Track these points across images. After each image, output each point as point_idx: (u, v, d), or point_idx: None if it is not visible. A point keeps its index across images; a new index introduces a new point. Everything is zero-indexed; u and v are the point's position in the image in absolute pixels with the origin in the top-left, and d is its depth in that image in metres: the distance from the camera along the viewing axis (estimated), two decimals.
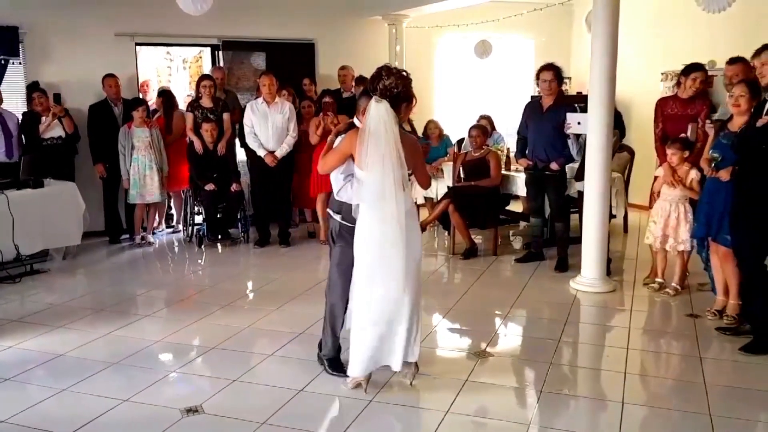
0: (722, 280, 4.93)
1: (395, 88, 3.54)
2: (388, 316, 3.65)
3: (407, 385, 3.85)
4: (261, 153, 7.15)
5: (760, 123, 4.30)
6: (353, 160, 3.61)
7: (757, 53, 4.56)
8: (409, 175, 3.69)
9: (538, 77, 6.28)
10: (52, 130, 7.09)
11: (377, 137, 3.46)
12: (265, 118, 7.14)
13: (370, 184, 3.52)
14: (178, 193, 7.97)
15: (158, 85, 8.91)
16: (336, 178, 3.79)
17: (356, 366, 3.71)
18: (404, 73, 3.63)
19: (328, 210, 3.98)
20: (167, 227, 8.21)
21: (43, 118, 7.04)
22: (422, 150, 3.97)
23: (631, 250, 7.09)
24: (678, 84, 6.02)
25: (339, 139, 3.75)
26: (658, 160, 5.98)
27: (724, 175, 4.56)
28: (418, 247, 3.72)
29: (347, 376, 3.80)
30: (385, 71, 3.59)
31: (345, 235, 3.78)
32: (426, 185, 4.03)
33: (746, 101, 4.56)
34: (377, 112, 3.48)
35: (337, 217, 3.83)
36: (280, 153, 7.15)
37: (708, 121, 5.57)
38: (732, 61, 5.49)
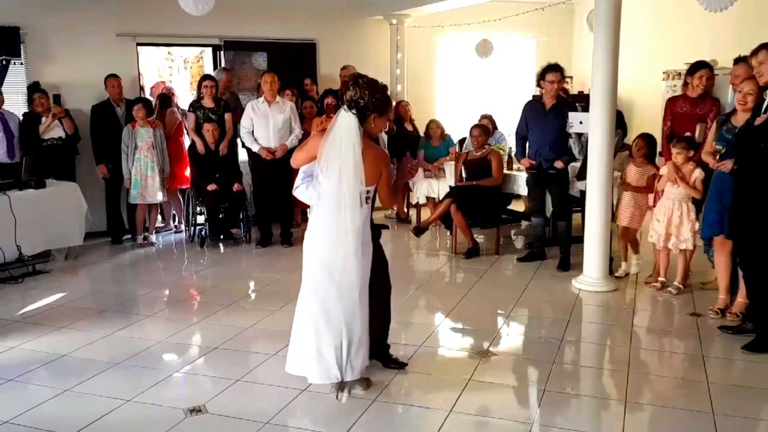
0: (725, 279, 4.93)
1: (360, 99, 3.50)
2: (317, 325, 3.63)
3: (404, 386, 3.86)
4: (255, 148, 7.16)
5: (758, 121, 4.30)
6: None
7: (755, 53, 4.55)
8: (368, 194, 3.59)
9: (542, 77, 6.24)
10: (52, 130, 7.09)
11: (338, 147, 3.45)
12: (266, 118, 7.15)
13: (325, 190, 3.53)
14: (174, 193, 7.97)
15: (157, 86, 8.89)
16: (298, 176, 3.79)
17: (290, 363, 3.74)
18: (374, 84, 3.56)
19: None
20: (174, 228, 8.21)
21: (43, 119, 7.05)
22: (409, 168, 3.90)
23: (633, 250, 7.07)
24: (685, 84, 6.01)
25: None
26: (662, 158, 5.99)
27: (728, 164, 4.53)
28: (363, 269, 3.61)
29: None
30: (352, 82, 3.55)
31: None
32: (386, 202, 3.85)
33: (753, 100, 4.56)
34: (341, 122, 3.49)
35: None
36: (290, 144, 7.17)
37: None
38: (738, 61, 5.49)
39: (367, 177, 3.50)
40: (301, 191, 3.73)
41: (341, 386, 3.68)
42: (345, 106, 3.53)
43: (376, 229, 3.90)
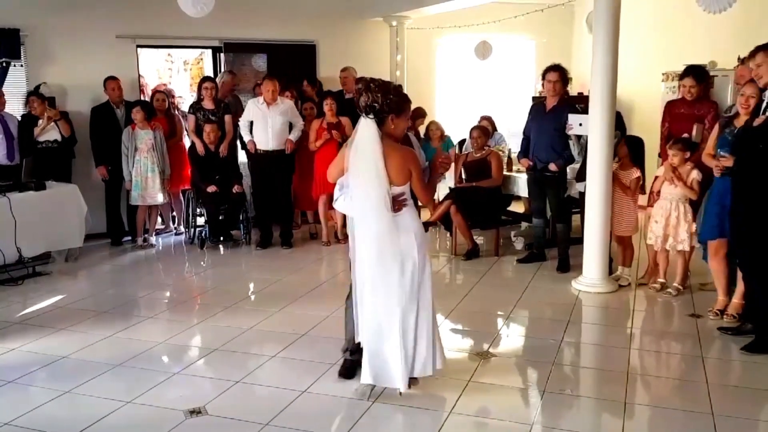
0: (723, 282, 4.93)
1: (375, 103, 3.50)
2: (375, 332, 3.63)
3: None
4: (246, 137, 7.27)
5: (757, 122, 4.31)
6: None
7: (752, 55, 4.55)
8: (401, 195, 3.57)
9: (544, 78, 6.27)
10: (47, 133, 7.07)
11: (361, 154, 3.48)
12: (265, 119, 7.16)
13: (356, 199, 3.55)
14: (177, 194, 7.97)
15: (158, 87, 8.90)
16: (336, 189, 3.79)
17: (364, 373, 3.70)
18: (386, 86, 3.57)
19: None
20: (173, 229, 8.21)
21: (39, 122, 7.04)
22: (440, 161, 3.79)
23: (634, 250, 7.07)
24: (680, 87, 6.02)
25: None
26: (660, 159, 5.99)
27: (729, 159, 4.52)
28: (409, 265, 3.58)
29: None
30: (364, 88, 3.54)
31: None
32: (424, 200, 3.87)
33: (755, 103, 4.56)
34: (361, 130, 3.51)
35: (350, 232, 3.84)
36: (294, 138, 7.20)
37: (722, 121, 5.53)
38: (742, 61, 5.48)
39: (396, 177, 3.50)
40: (339, 204, 3.74)
41: (372, 387, 3.70)
42: (363, 114, 3.54)
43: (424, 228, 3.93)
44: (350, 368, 3.96)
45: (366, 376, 3.66)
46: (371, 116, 3.51)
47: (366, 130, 3.50)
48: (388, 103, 3.52)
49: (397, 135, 3.63)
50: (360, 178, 3.50)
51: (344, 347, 4.03)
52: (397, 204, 3.54)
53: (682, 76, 5.88)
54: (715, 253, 4.89)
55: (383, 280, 3.56)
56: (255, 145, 7.21)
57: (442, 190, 7.81)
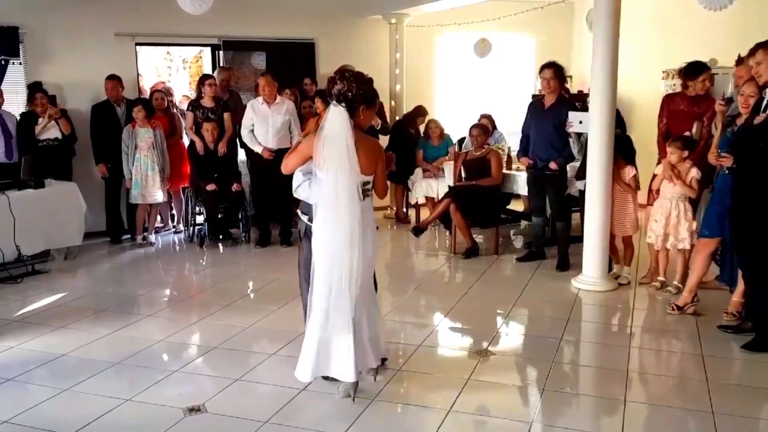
0: (696, 279, 4.97)
1: (348, 92, 3.51)
2: (336, 323, 3.60)
3: (403, 385, 3.86)
4: (257, 149, 7.16)
5: (757, 120, 4.30)
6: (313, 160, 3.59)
7: (752, 53, 4.55)
8: (367, 185, 3.60)
9: (540, 75, 6.28)
10: (48, 131, 7.08)
11: (331, 141, 3.46)
12: (265, 119, 7.14)
13: (325, 186, 3.53)
14: (176, 192, 7.97)
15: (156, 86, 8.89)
16: (296, 176, 3.79)
17: (302, 370, 3.67)
18: (360, 76, 3.59)
19: (297, 211, 3.98)
20: (172, 228, 8.21)
21: (40, 119, 7.04)
22: (387, 158, 3.87)
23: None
24: (685, 86, 5.97)
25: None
26: (659, 156, 5.98)
27: (729, 158, 4.52)
28: (370, 256, 3.64)
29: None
30: (339, 76, 3.57)
31: (311, 236, 3.78)
32: (381, 194, 3.83)
33: (755, 101, 4.55)
34: (332, 117, 3.49)
35: (305, 218, 3.83)
36: (295, 142, 7.17)
37: (722, 102, 5.52)
38: (740, 61, 5.48)
39: (364, 167, 3.52)
40: (302, 190, 3.74)
41: (356, 385, 3.66)
42: (334, 101, 3.53)
43: None
44: None
45: (314, 370, 3.63)
46: (343, 104, 3.50)
47: (337, 116, 3.48)
48: (362, 93, 3.54)
49: (364, 126, 3.67)
50: (331, 165, 3.46)
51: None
52: (364, 193, 3.56)
53: (696, 73, 5.82)
54: (703, 248, 4.91)
55: (349, 268, 3.52)
56: (269, 152, 7.11)
57: (442, 188, 7.82)
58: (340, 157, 3.44)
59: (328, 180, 3.49)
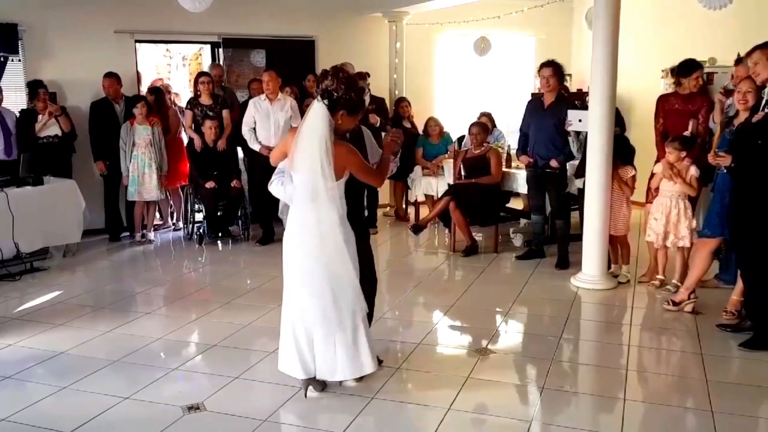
0: (696, 276, 4.99)
1: (335, 91, 3.43)
2: (302, 324, 3.61)
3: (402, 383, 3.86)
4: (255, 147, 7.14)
5: (756, 119, 4.30)
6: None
7: (749, 54, 4.55)
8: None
9: (539, 74, 6.28)
10: (48, 128, 7.07)
11: (308, 139, 3.39)
12: (268, 116, 7.12)
13: (297, 186, 3.49)
14: (175, 190, 7.96)
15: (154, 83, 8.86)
16: (275, 172, 3.75)
17: (282, 361, 3.72)
18: (353, 82, 3.50)
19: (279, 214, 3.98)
20: (172, 225, 8.19)
21: (40, 117, 7.03)
22: (391, 138, 3.77)
23: (632, 247, 7.06)
24: (679, 84, 5.98)
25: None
26: (658, 156, 5.98)
27: (727, 157, 4.51)
28: (347, 264, 3.53)
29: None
30: (332, 73, 3.48)
31: None
32: (377, 184, 3.79)
33: (753, 98, 4.56)
34: (313, 112, 3.43)
35: (284, 218, 3.83)
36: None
37: (721, 91, 5.49)
38: (738, 61, 5.48)
39: (337, 171, 3.44)
40: (275, 187, 3.70)
41: (308, 383, 3.67)
42: (318, 97, 3.47)
43: (364, 228, 3.91)
44: None
45: (289, 367, 3.67)
46: (326, 101, 3.44)
47: (317, 113, 3.41)
48: (347, 98, 3.46)
49: (341, 131, 3.58)
50: (305, 164, 3.41)
51: None
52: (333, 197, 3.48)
53: (689, 71, 5.82)
54: (703, 246, 4.92)
55: (319, 271, 3.50)
56: (268, 150, 7.09)
57: (441, 186, 7.82)
58: (314, 156, 3.35)
59: (301, 180, 3.45)
